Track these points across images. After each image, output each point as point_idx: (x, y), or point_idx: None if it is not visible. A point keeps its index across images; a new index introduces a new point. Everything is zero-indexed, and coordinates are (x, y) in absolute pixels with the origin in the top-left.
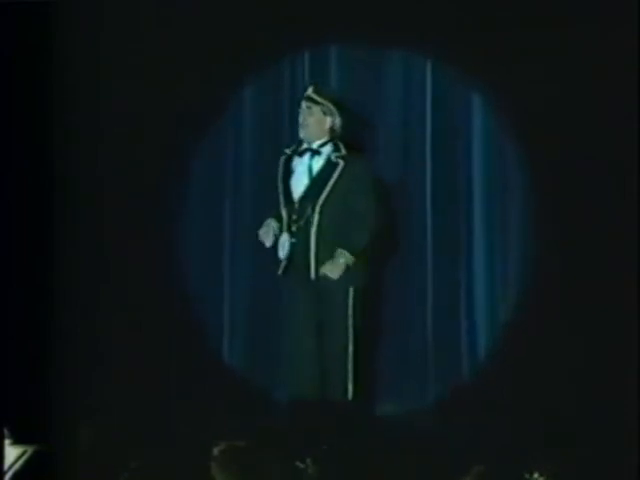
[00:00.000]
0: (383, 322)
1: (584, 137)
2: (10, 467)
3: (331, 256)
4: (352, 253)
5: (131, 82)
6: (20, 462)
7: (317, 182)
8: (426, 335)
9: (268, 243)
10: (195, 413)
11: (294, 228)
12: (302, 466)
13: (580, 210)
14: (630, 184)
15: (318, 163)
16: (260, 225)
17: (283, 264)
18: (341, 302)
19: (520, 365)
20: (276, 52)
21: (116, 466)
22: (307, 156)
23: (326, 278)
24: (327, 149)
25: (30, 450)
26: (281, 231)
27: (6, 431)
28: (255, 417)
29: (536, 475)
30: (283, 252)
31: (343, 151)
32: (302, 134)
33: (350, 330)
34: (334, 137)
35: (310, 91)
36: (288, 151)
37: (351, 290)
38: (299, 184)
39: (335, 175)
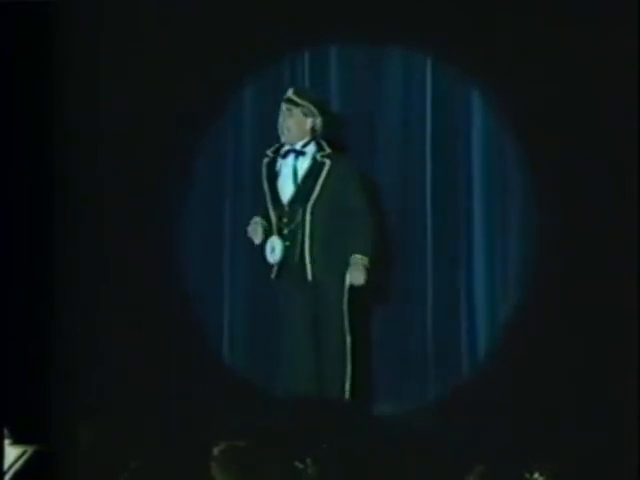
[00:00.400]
0: (383, 322)
1: (584, 137)
2: (10, 467)
3: (327, 257)
4: (364, 254)
5: (131, 82)
6: (20, 462)
7: (305, 184)
8: (426, 335)
9: (257, 240)
10: (195, 413)
11: (285, 231)
12: (301, 466)
13: (580, 210)
14: (630, 184)
15: (304, 164)
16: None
17: (276, 268)
18: (337, 301)
19: (520, 365)
20: (276, 52)
21: (116, 466)
22: (291, 157)
23: (353, 286)
24: (311, 149)
25: (30, 450)
26: (270, 234)
27: (6, 431)
28: (255, 417)
29: (536, 475)
30: (274, 256)
31: (327, 150)
32: (283, 137)
33: (346, 329)
34: (315, 137)
35: (290, 93)
36: (270, 153)
37: (346, 289)
38: (286, 187)
39: (323, 175)
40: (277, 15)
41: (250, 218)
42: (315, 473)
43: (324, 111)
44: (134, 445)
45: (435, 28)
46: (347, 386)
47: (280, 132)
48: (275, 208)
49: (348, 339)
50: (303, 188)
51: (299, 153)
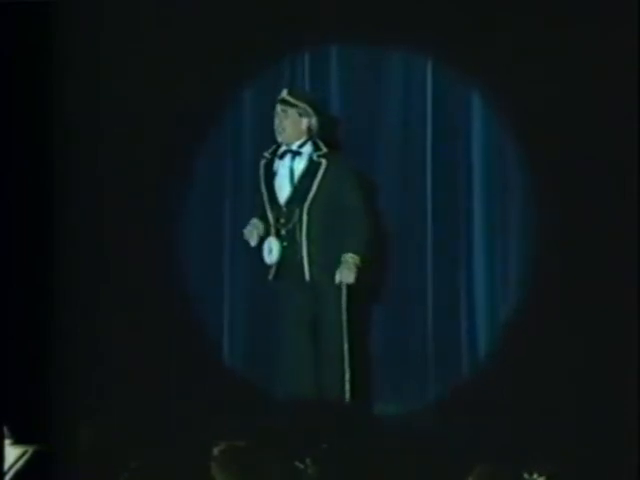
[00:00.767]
0: (383, 322)
1: (584, 137)
2: (10, 467)
3: (325, 258)
4: (356, 253)
5: (131, 82)
6: (20, 462)
7: (302, 184)
8: (426, 335)
9: (253, 242)
10: (195, 413)
11: (283, 232)
12: (301, 466)
13: (580, 210)
14: (630, 184)
15: (300, 164)
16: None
17: (274, 269)
18: (335, 301)
19: (520, 365)
20: (276, 52)
21: (116, 466)
22: (288, 158)
23: (350, 286)
24: (307, 149)
25: (30, 450)
26: (267, 234)
27: (6, 431)
28: (255, 417)
29: (535, 475)
30: (272, 257)
31: (324, 149)
32: (280, 138)
33: (344, 329)
34: (312, 136)
35: (284, 94)
36: (267, 154)
37: (344, 288)
38: (283, 187)
39: (319, 175)
40: (277, 15)
41: (250, 218)
42: (315, 473)
43: (319, 111)
44: (134, 445)
45: (435, 28)
46: (346, 386)
47: (276, 132)
48: (272, 209)
49: (346, 339)
50: (300, 189)
51: (295, 153)
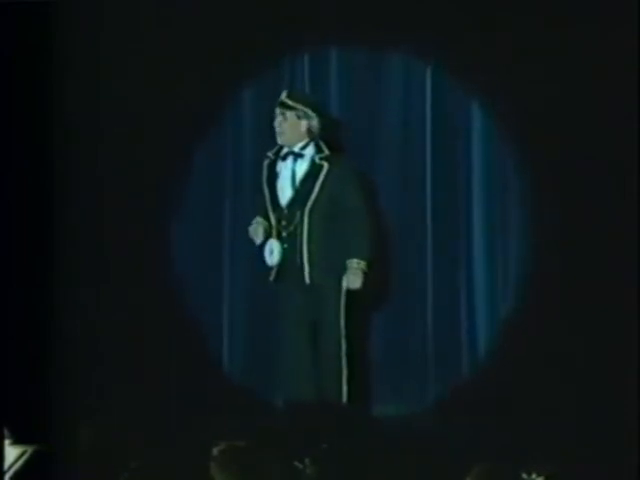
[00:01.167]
0: (383, 322)
1: (584, 137)
2: (10, 467)
3: (326, 261)
4: (362, 258)
5: (131, 82)
6: (20, 462)
7: (303, 187)
8: (426, 335)
9: (258, 240)
10: (195, 413)
11: (284, 234)
12: (300, 466)
13: (580, 210)
14: (630, 184)
15: (302, 167)
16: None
17: (275, 270)
18: (335, 304)
19: (520, 365)
20: (276, 53)
21: (116, 466)
22: (290, 160)
23: (350, 289)
24: (309, 151)
25: (30, 450)
26: (269, 235)
27: (6, 431)
28: (254, 418)
29: (534, 475)
30: (272, 259)
31: (326, 151)
32: (279, 140)
33: (342, 331)
34: (313, 138)
35: (283, 96)
36: (271, 154)
37: (344, 290)
38: (285, 190)
39: (321, 178)
40: (277, 16)
41: (250, 219)
42: (314, 473)
43: (321, 113)
44: (134, 445)
45: (435, 29)
46: (344, 388)
47: (276, 134)
48: (274, 210)
49: (344, 342)
50: (301, 191)
51: (297, 155)
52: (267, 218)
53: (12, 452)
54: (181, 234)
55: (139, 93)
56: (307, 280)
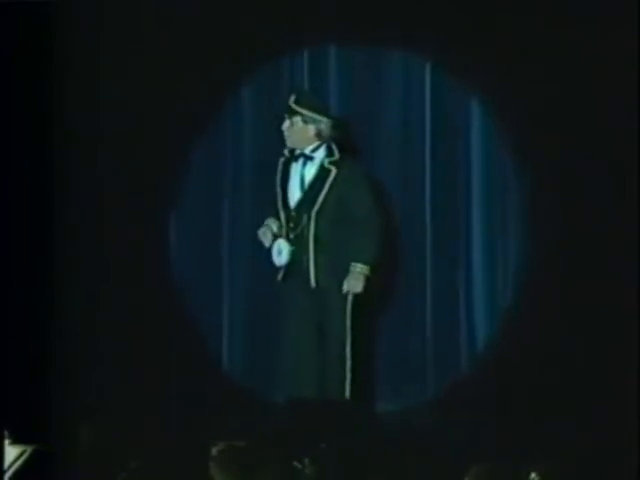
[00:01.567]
0: (383, 322)
1: (584, 137)
2: (10, 467)
3: (332, 264)
4: (366, 263)
5: (131, 82)
6: (20, 462)
7: (311, 190)
8: (425, 334)
9: (267, 243)
10: (194, 413)
11: (291, 236)
12: (299, 466)
13: (580, 210)
14: (630, 184)
15: (310, 171)
16: (260, 225)
17: (282, 271)
18: (340, 307)
19: (519, 365)
20: (275, 52)
21: (116, 466)
22: (300, 162)
23: (350, 293)
24: (320, 153)
25: (30, 450)
26: (279, 236)
27: (5, 431)
28: (254, 417)
29: (534, 475)
30: (281, 259)
31: (337, 155)
32: (288, 143)
33: (348, 333)
34: (324, 141)
35: (290, 101)
36: (287, 152)
37: (350, 295)
38: (294, 192)
39: (328, 183)
40: (277, 15)
41: (249, 219)
42: (313, 473)
43: (330, 116)
44: (134, 445)
45: (434, 28)
46: (347, 389)
47: (285, 138)
48: (284, 211)
49: (349, 345)
50: (309, 195)
51: (308, 158)
52: (278, 218)
53: (12, 452)
54: (181, 234)
55: (139, 93)
56: (312, 283)
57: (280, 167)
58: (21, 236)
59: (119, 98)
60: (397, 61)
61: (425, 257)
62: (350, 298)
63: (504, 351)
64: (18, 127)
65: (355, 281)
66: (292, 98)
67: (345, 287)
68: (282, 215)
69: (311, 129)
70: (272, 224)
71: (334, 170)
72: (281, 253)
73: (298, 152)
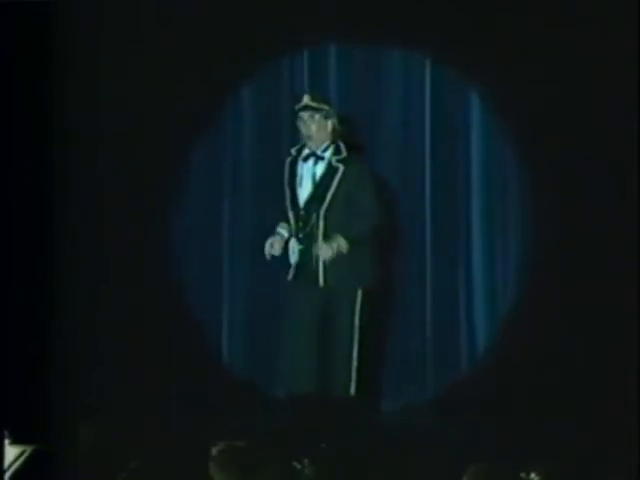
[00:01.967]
0: (384, 321)
1: (584, 137)
2: (10, 467)
3: (338, 262)
4: (347, 240)
5: (131, 82)
6: (20, 462)
7: (320, 188)
8: (425, 335)
9: (277, 252)
10: (194, 413)
11: (301, 235)
12: (299, 466)
13: (580, 210)
14: (630, 184)
15: (320, 169)
16: (260, 225)
17: (293, 269)
18: (349, 304)
19: (519, 364)
20: (275, 51)
21: (116, 466)
22: (311, 162)
23: (318, 258)
24: (329, 152)
25: (30, 450)
26: (291, 236)
27: (5, 431)
28: (254, 417)
29: (533, 475)
30: (293, 257)
31: (344, 153)
32: (310, 144)
33: (356, 331)
34: (335, 139)
35: (307, 100)
36: (294, 151)
37: (359, 292)
38: (304, 191)
39: (336, 180)
40: (276, 15)
41: (249, 218)
42: (313, 473)
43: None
44: (134, 445)
45: (434, 28)
46: (352, 388)
47: (306, 140)
48: (293, 210)
49: (357, 342)
50: (318, 193)
51: (318, 158)
52: (287, 219)
53: (12, 451)
54: (180, 233)
55: (139, 93)
56: (321, 282)
57: (287, 167)
58: (21, 236)
59: (119, 98)
60: (397, 60)
61: (425, 257)
62: (360, 293)
63: (504, 351)
64: (18, 127)
65: (327, 247)
66: (307, 97)
67: (314, 250)
68: (291, 215)
69: (329, 124)
70: (284, 231)
71: (341, 167)
72: (294, 252)
73: (307, 152)
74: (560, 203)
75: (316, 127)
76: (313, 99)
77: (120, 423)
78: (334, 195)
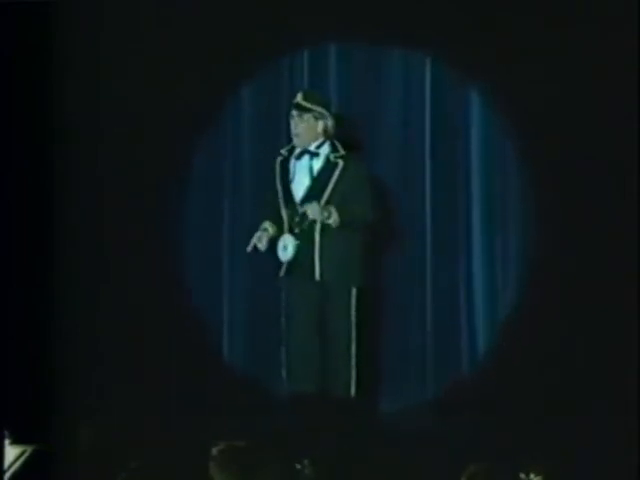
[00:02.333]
0: (384, 321)
1: (584, 137)
2: (10, 467)
3: (336, 257)
4: (341, 218)
5: (131, 82)
6: (20, 462)
7: (318, 182)
8: (425, 334)
9: (263, 247)
10: (195, 413)
11: (297, 230)
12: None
13: (580, 210)
14: (630, 184)
15: (317, 164)
16: (260, 225)
17: (285, 266)
18: (344, 302)
19: (519, 364)
20: (275, 51)
21: (116, 466)
22: (306, 158)
23: (305, 216)
24: (325, 149)
25: (30, 450)
26: (281, 233)
27: (5, 431)
28: (255, 416)
29: (532, 475)
30: (286, 254)
31: (341, 151)
32: (296, 142)
33: (353, 330)
34: (329, 138)
35: (299, 98)
36: (284, 152)
37: (354, 290)
38: (300, 186)
39: (336, 175)
40: (277, 15)
41: (250, 217)
42: (313, 473)
43: (333, 112)
44: (134, 445)
45: (435, 27)
46: (352, 387)
47: (293, 137)
48: (287, 207)
49: (354, 340)
50: (317, 186)
51: (313, 154)
52: (278, 217)
53: (12, 452)
54: (181, 233)
55: (139, 93)
56: (317, 276)
57: (278, 166)
58: (21, 236)
59: (119, 98)
60: (397, 60)
61: (425, 257)
62: (354, 292)
63: (504, 351)
64: (18, 127)
65: (317, 209)
66: (300, 96)
67: (304, 206)
68: (285, 211)
69: (320, 125)
70: (269, 227)
71: (341, 162)
72: (286, 248)
73: (300, 150)
74: (560, 203)
75: (304, 126)
76: (305, 98)
77: (120, 423)
78: (333, 189)
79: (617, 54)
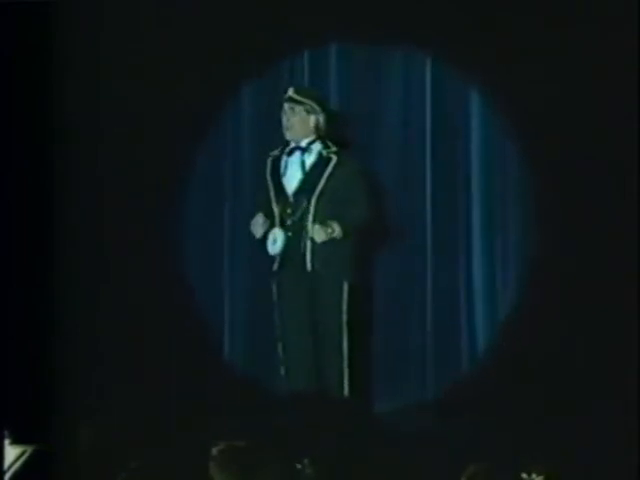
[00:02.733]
0: (382, 321)
1: (584, 137)
2: (10, 467)
3: (327, 250)
4: (342, 228)
5: (131, 82)
6: (20, 462)
7: (311, 175)
8: (425, 334)
9: (258, 234)
10: (195, 413)
11: (289, 222)
12: (299, 467)
13: (580, 210)
14: (630, 184)
15: (310, 158)
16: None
17: (278, 260)
18: (335, 296)
19: (519, 364)
20: (275, 51)
21: (116, 466)
22: (298, 153)
23: (312, 240)
24: (316, 146)
25: (30, 450)
26: (272, 226)
27: (5, 431)
28: (255, 416)
29: (534, 475)
30: (275, 248)
31: (333, 148)
32: (288, 135)
33: (344, 326)
34: (320, 135)
35: (291, 92)
36: (276, 152)
37: (345, 285)
38: (292, 179)
39: (329, 169)
40: (277, 14)
41: (250, 217)
42: (313, 473)
43: (325, 108)
44: (134, 445)
45: (435, 27)
46: (345, 384)
47: (285, 130)
48: (278, 201)
49: (346, 336)
50: (309, 180)
51: (305, 150)
52: (270, 212)
53: (12, 452)
54: (181, 233)
55: (139, 93)
56: (308, 267)
57: (269, 165)
58: (21, 236)
59: (119, 98)
60: (397, 60)
61: (425, 257)
62: (346, 287)
63: (504, 351)
64: (18, 127)
65: (321, 231)
66: (291, 90)
67: (310, 232)
68: (276, 206)
69: (312, 120)
70: (259, 219)
71: (334, 158)
72: (276, 242)
73: (292, 146)
74: (560, 203)
75: (296, 119)
76: (297, 92)
77: (120, 423)
78: (326, 182)
79: (617, 54)
